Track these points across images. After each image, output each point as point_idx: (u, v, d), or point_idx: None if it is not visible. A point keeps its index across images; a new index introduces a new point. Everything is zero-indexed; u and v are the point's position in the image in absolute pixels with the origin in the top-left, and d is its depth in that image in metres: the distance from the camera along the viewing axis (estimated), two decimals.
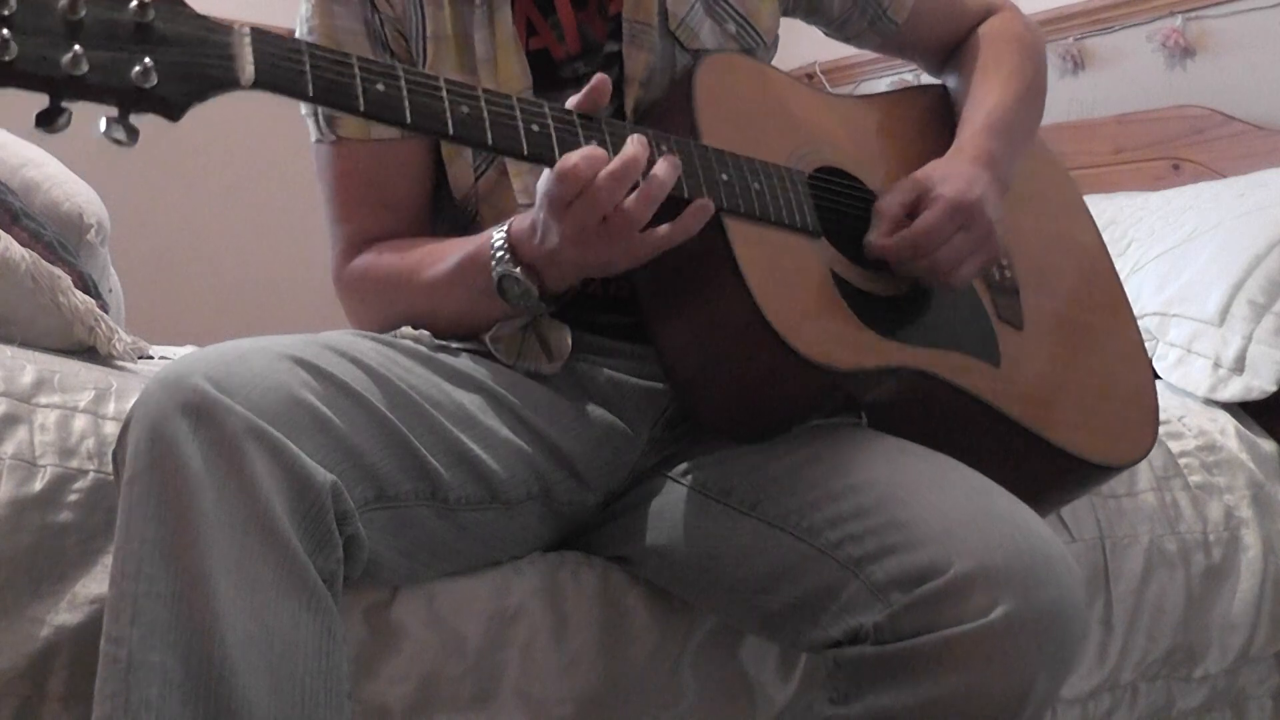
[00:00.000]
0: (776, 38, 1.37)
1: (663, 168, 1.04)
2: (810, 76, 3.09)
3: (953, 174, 1.22)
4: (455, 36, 1.23)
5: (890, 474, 1.09)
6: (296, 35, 1.26)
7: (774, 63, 1.38)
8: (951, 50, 1.47)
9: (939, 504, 1.04)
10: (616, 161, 1.02)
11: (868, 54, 2.73)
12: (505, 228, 1.13)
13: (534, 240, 1.09)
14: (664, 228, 1.06)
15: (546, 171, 1.05)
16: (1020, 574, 0.98)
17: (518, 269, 1.11)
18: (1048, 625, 0.97)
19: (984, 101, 1.35)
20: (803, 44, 1.61)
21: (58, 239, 1.68)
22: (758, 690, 1.27)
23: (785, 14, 1.40)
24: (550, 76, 1.24)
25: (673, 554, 1.17)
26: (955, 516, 1.02)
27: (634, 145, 1.04)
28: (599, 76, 1.07)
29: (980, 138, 1.29)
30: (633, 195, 1.03)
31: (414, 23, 1.23)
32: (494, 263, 1.12)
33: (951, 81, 1.46)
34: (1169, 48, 2.48)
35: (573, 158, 1.02)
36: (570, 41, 1.25)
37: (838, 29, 1.45)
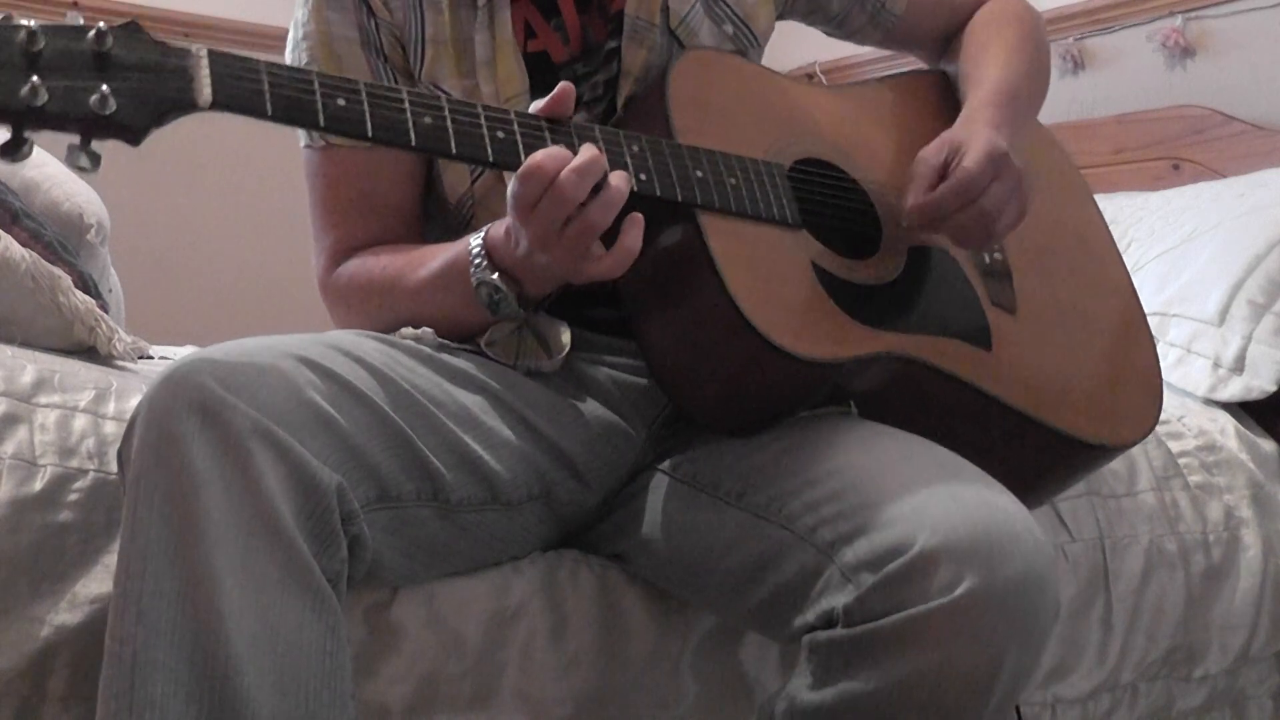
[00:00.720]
0: (767, 40, 1.37)
1: (618, 179, 1.05)
2: (810, 76, 3.09)
3: (974, 133, 1.23)
4: (454, 41, 1.23)
5: (863, 456, 1.09)
6: (290, 40, 1.26)
7: (775, 63, 1.38)
8: (949, 38, 1.47)
9: (906, 482, 1.04)
10: (580, 159, 1.03)
11: (867, 53, 2.73)
12: (483, 234, 1.13)
13: (509, 246, 1.09)
14: (616, 246, 1.06)
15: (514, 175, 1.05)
16: (985, 549, 0.97)
17: (495, 275, 1.11)
18: (1014, 600, 0.97)
19: (985, 79, 1.35)
20: (802, 44, 1.62)
21: (58, 239, 1.68)
22: (758, 690, 1.27)
23: (782, 16, 1.40)
24: (548, 78, 1.24)
25: (665, 548, 1.18)
26: (921, 493, 1.02)
27: (592, 148, 1.05)
28: (562, 85, 1.08)
29: (986, 109, 1.29)
30: (593, 202, 1.03)
31: (413, 27, 1.23)
32: (472, 269, 1.12)
33: (951, 67, 1.46)
34: (1169, 48, 2.48)
35: (537, 156, 1.03)
36: (573, 43, 1.26)
37: (838, 26, 1.45)
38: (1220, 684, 1.62)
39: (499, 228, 1.11)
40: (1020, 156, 1.28)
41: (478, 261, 1.12)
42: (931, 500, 1.01)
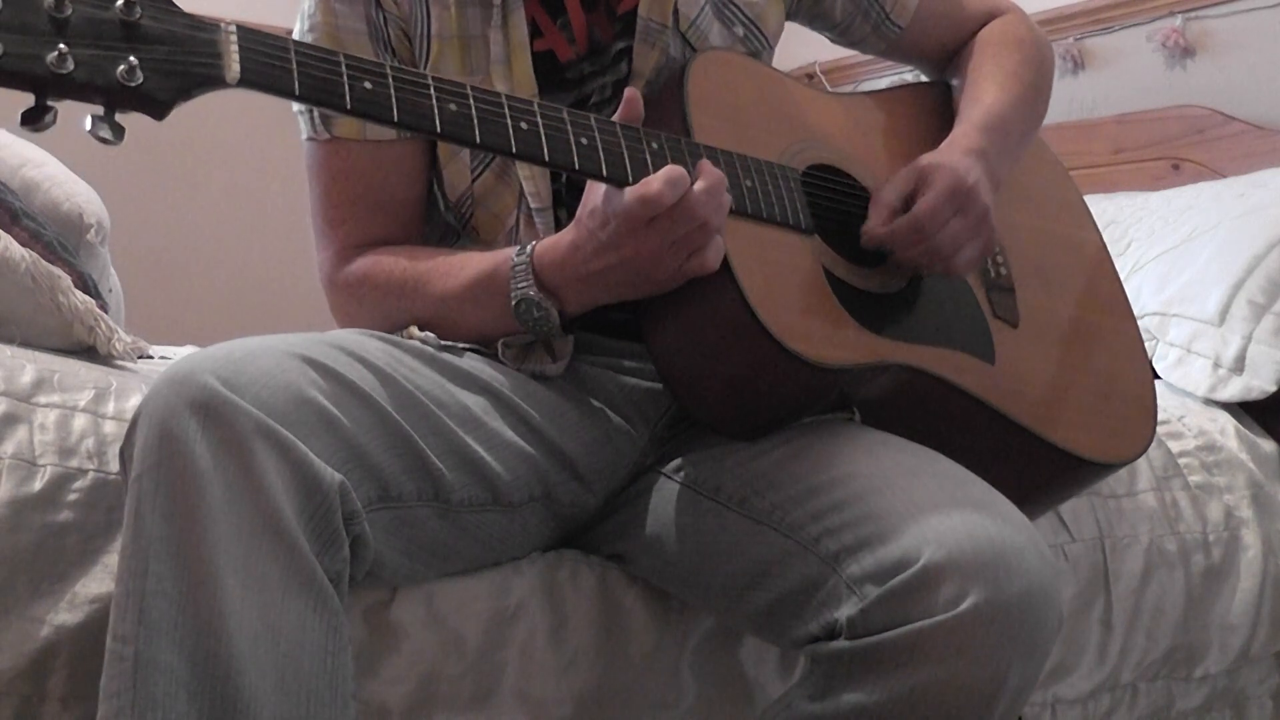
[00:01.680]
0: (778, 41, 1.37)
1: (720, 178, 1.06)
2: (810, 76, 3.09)
3: (946, 162, 1.22)
4: (459, 38, 1.23)
5: (869, 466, 1.09)
6: (297, 31, 1.26)
7: (776, 62, 1.38)
8: (953, 54, 1.47)
9: (912, 494, 1.04)
10: (706, 181, 1.04)
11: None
12: (527, 250, 1.13)
13: (574, 259, 1.09)
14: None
15: (607, 190, 1.05)
16: (990, 564, 0.97)
17: (539, 294, 1.11)
18: (1019, 615, 0.97)
19: (979, 100, 1.35)
20: (803, 44, 1.61)
21: (58, 239, 1.68)
22: (757, 690, 1.27)
23: (789, 17, 1.40)
24: (554, 78, 1.24)
25: (665, 551, 1.18)
26: (927, 507, 1.02)
27: (713, 169, 1.06)
28: (630, 91, 1.08)
29: (973, 133, 1.29)
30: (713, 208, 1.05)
31: (419, 21, 1.23)
32: (513, 285, 1.12)
33: (953, 82, 1.46)
34: (1169, 48, 2.48)
35: (655, 186, 1.03)
36: (580, 43, 1.26)
37: (841, 33, 1.45)
38: (1220, 684, 1.62)
39: (555, 242, 1.11)
40: (1003, 182, 1.28)
41: (521, 280, 1.12)
42: (937, 514, 1.01)
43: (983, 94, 1.36)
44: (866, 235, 1.20)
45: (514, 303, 1.12)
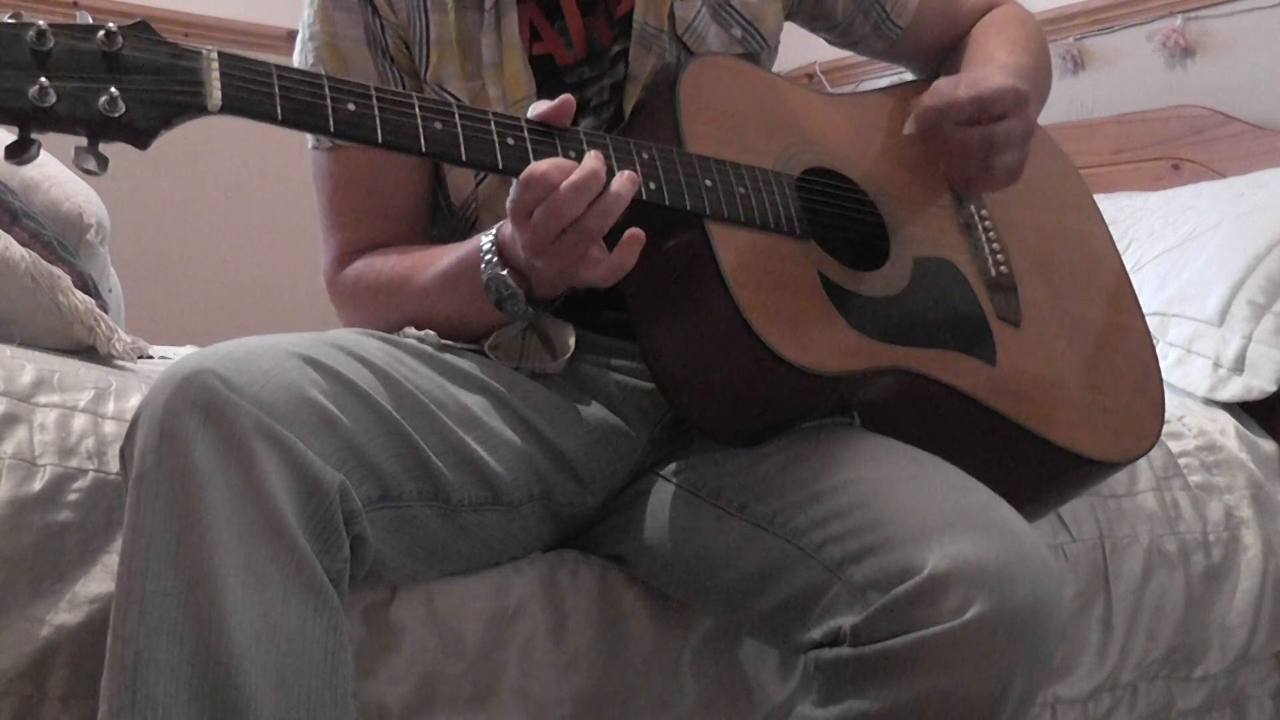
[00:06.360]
0: (778, 41, 1.37)
1: (620, 183, 1.03)
2: (810, 76, 3.08)
3: (996, 71, 1.24)
4: (459, 42, 1.23)
5: (872, 473, 1.09)
6: (299, 41, 1.26)
7: (775, 62, 1.38)
8: (949, 51, 1.47)
9: (916, 502, 1.04)
10: (578, 173, 1.01)
11: None
12: (494, 231, 1.13)
13: (513, 247, 1.09)
14: (610, 257, 1.04)
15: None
16: (995, 572, 0.97)
17: (505, 271, 1.11)
18: (1023, 624, 0.97)
19: (994, 58, 1.35)
20: (802, 44, 1.61)
21: (58, 239, 1.68)
22: (757, 690, 1.27)
23: (789, 17, 1.40)
24: (553, 82, 1.24)
25: (664, 554, 1.18)
26: (931, 515, 1.02)
27: (593, 159, 1.03)
28: (565, 97, 1.06)
29: (1005, 71, 1.29)
30: (590, 210, 1.02)
31: (418, 28, 1.23)
32: (483, 266, 1.11)
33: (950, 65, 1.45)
34: (1169, 48, 2.48)
35: (541, 166, 1.01)
36: (578, 47, 1.25)
37: (841, 34, 1.44)
38: (1220, 684, 1.62)
39: (508, 227, 1.11)
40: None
41: (489, 258, 1.11)
42: (941, 521, 1.01)
43: (996, 52, 1.36)
44: (920, 109, 1.21)
45: (485, 279, 1.11)
